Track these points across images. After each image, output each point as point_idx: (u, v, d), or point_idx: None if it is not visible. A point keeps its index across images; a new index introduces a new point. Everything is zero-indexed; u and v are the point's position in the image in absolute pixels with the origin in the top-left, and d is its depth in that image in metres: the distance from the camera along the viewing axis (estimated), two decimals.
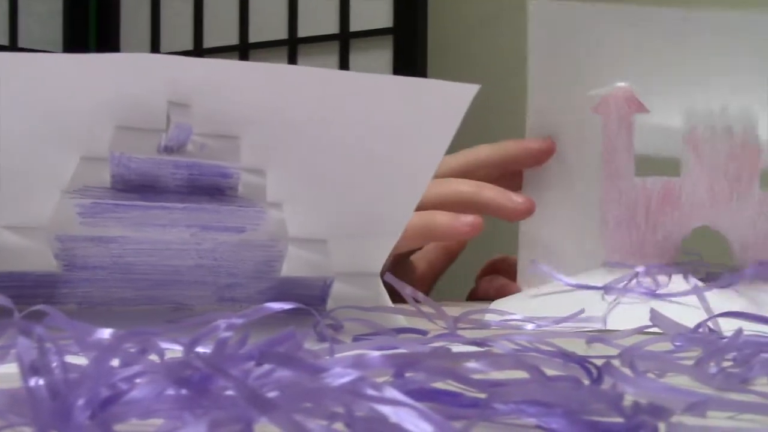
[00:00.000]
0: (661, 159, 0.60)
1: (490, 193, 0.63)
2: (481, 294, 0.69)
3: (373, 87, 0.42)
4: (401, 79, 0.43)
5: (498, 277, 0.71)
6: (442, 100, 0.43)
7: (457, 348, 0.33)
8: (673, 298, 0.51)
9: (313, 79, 0.41)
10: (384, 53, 1.98)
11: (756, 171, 0.55)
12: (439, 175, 0.63)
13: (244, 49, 2.13)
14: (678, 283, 0.52)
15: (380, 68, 1.97)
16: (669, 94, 0.58)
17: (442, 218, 0.61)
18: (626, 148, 0.57)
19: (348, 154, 0.43)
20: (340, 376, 0.21)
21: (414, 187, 0.46)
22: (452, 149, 0.60)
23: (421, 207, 0.63)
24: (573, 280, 0.56)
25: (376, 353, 0.23)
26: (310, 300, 0.45)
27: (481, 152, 0.67)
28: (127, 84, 0.38)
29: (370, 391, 0.20)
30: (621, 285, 0.53)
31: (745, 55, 0.59)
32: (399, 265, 0.65)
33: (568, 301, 0.53)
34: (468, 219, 0.61)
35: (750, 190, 0.55)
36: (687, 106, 0.58)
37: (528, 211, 0.61)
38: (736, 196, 0.55)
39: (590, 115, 0.60)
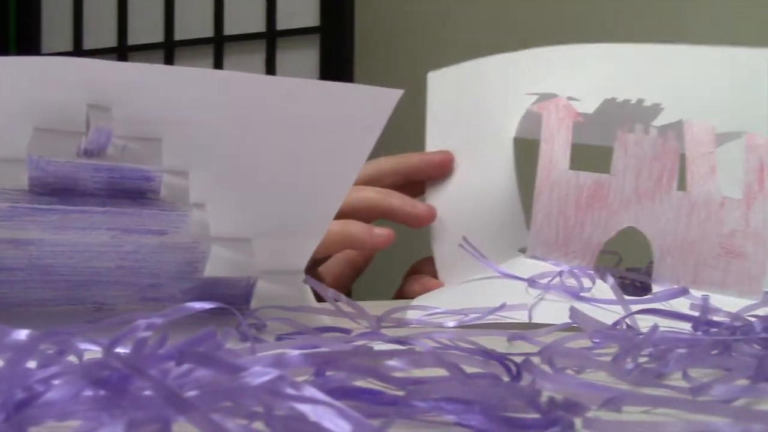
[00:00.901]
0: (594, 160, 0.63)
1: (396, 200, 0.68)
2: (406, 293, 0.70)
3: (296, 91, 0.42)
4: (325, 83, 0.43)
5: (423, 276, 0.71)
6: (365, 105, 0.43)
7: (379, 346, 0.33)
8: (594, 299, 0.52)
9: (237, 83, 0.41)
10: (311, 52, 1.97)
11: (675, 172, 0.58)
12: None
13: (169, 48, 2.11)
14: (601, 287, 0.53)
15: (307, 67, 1.97)
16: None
17: (359, 228, 0.66)
18: (563, 144, 0.59)
19: (272, 155, 0.43)
20: (260, 375, 0.21)
21: (337, 189, 0.46)
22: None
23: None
24: (499, 268, 0.57)
25: (296, 352, 0.23)
26: (233, 299, 0.45)
27: (386, 163, 0.71)
28: (46, 87, 0.38)
29: (290, 390, 0.20)
30: (545, 281, 0.54)
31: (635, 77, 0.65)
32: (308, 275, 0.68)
33: (491, 292, 0.54)
34: (383, 231, 0.66)
35: (669, 190, 0.57)
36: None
37: (429, 218, 0.66)
38: (659, 197, 0.57)
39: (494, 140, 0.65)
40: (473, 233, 0.63)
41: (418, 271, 0.72)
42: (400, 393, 0.23)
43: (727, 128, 0.60)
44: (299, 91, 0.43)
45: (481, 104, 0.67)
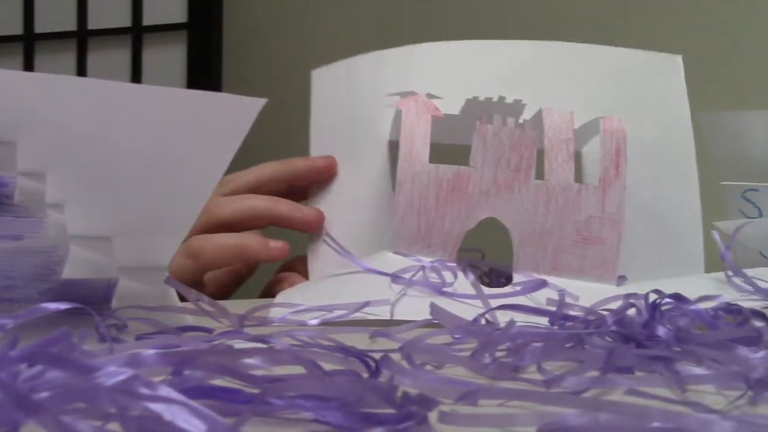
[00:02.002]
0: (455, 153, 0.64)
1: (284, 207, 0.68)
2: (274, 291, 0.70)
3: (160, 99, 0.42)
4: (188, 92, 0.43)
5: (292, 274, 0.71)
6: (228, 113, 0.44)
7: (239, 345, 0.33)
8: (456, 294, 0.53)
9: (95, 90, 0.41)
10: (178, 48, 1.94)
11: (532, 161, 0.59)
12: (233, 192, 0.69)
13: (29, 41, 2.05)
14: (463, 282, 0.54)
15: (174, 64, 1.94)
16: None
17: (255, 241, 0.66)
18: (423, 138, 0.60)
19: (132, 159, 0.43)
20: (113, 375, 0.21)
21: (200, 192, 0.46)
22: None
23: (223, 223, 0.67)
24: (362, 263, 0.58)
25: (152, 351, 0.23)
26: (94, 300, 0.44)
27: (269, 169, 0.72)
28: None
29: (144, 390, 0.20)
30: (408, 276, 0.54)
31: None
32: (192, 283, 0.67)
33: (355, 288, 0.54)
34: (278, 244, 0.66)
35: (528, 179, 0.59)
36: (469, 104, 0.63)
37: (318, 222, 0.67)
38: (518, 187, 0.59)
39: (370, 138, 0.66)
40: (351, 233, 0.63)
41: (289, 269, 0.72)
42: (258, 391, 0.23)
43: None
44: (163, 100, 0.43)
45: (357, 102, 0.68)
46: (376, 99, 0.67)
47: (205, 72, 1.88)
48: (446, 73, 0.67)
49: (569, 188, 0.59)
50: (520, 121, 0.61)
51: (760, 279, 0.56)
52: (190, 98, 0.44)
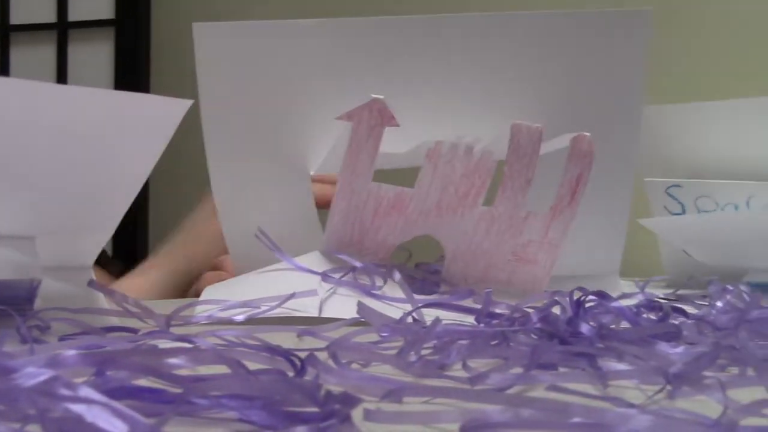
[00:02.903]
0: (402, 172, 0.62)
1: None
2: (201, 289, 0.69)
3: (88, 101, 0.42)
4: (117, 93, 0.43)
5: (220, 273, 0.71)
6: (155, 114, 0.44)
7: (164, 345, 0.33)
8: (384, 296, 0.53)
9: (18, 89, 0.40)
10: (105, 45, 1.92)
11: (483, 190, 0.57)
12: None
13: None
14: (393, 285, 0.54)
15: (101, 61, 1.91)
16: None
17: None
18: (369, 155, 0.56)
19: (56, 159, 0.42)
20: (33, 377, 0.20)
21: (127, 191, 0.46)
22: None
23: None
24: (292, 260, 0.57)
25: (73, 352, 0.23)
26: (16, 301, 0.43)
27: None
28: None
29: (64, 391, 0.20)
30: (338, 276, 0.54)
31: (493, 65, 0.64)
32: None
33: (284, 285, 0.53)
34: None
35: (474, 207, 0.57)
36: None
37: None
38: (461, 212, 0.57)
39: (276, 118, 0.63)
40: (270, 226, 0.62)
41: (218, 268, 0.72)
42: (181, 391, 0.23)
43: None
44: (87, 101, 0.42)
45: (260, 87, 0.63)
46: (289, 88, 0.63)
47: (132, 70, 1.86)
48: (381, 53, 0.63)
49: (516, 216, 0.56)
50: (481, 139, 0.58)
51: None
52: (115, 99, 0.44)
